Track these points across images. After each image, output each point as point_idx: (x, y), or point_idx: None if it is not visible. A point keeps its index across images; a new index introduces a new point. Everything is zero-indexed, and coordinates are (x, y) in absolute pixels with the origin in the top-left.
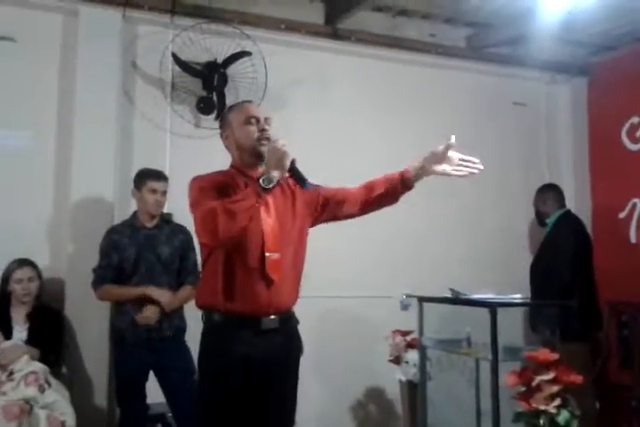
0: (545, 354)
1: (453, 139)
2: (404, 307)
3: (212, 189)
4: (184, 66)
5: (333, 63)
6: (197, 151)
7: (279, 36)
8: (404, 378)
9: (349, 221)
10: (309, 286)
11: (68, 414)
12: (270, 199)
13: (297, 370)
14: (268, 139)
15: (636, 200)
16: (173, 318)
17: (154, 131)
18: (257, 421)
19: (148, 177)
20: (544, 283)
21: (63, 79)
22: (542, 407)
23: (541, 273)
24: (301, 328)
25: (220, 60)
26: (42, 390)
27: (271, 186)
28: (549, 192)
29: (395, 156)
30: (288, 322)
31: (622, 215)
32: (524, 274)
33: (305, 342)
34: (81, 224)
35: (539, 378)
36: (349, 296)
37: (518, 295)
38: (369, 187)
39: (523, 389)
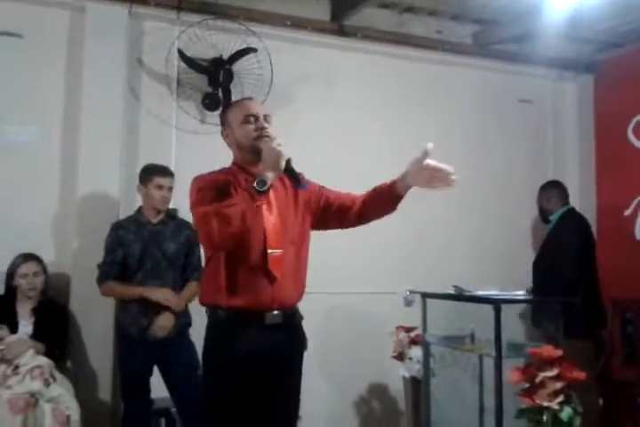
0: (549, 351)
1: (430, 146)
2: (408, 303)
3: (211, 190)
4: (190, 62)
5: (339, 60)
6: (203, 147)
7: (285, 33)
8: (407, 374)
9: None
10: (313, 283)
11: (72, 408)
12: (272, 196)
13: (301, 366)
14: (266, 137)
15: None
16: (179, 315)
17: (159, 127)
18: (261, 416)
19: (154, 173)
20: (547, 280)
21: (70, 75)
22: (545, 404)
23: (544, 270)
24: (305, 324)
25: (225, 57)
26: (47, 384)
27: (265, 188)
28: (553, 189)
29: (400, 152)
30: (292, 318)
31: (628, 213)
32: (528, 271)
33: (309, 338)
34: (86, 219)
35: (542, 375)
36: (353, 292)
37: (522, 292)
38: (366, 195)
39: (526, 385)
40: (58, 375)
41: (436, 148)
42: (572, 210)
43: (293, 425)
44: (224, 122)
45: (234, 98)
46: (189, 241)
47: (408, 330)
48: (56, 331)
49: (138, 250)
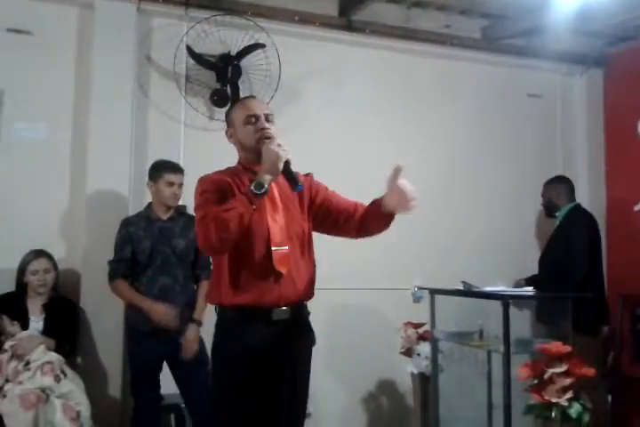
0: (557, 347)
1: (401, 164)
2: (416, 299)
3: (214, 192)
4: (198, 58)
5: (347, 55)
6: (211, 143)
7: (293, 28)
8: (415, 370)
9: None
10: (322, 279)
11: (82, 404)
12: (276, 192)
13: (309, 361)
14: (267, 138)
15: None
16: (189, 311)
17: (168, 123)
18: (269, 411)
19: (164, 169)
20: (556, 275)
21: (79, 72)
22: (554, 400)
23: (554, 266)
24: (313, 320)
25: (233, 53)
26: (57, 379)
27: (263, 191)
28: (562, 184)
29: (408, 147)
30: (299, 313)
31: (637, 208)
32: (535, 267)
33: (317, 334)
34: (96, 216)
35: (551, 371)
36: (361, 289)
37: (530, 288)
38: (366, 207)
39: (535, 381)
40: (68, 371)
41: (443, 143)
42: (579, 206)
43: (301, 420)
44: (228, 122)
45: (242, 94)
46: None
47: (416, 326)
48: (66, 327)
49: (148, 246)
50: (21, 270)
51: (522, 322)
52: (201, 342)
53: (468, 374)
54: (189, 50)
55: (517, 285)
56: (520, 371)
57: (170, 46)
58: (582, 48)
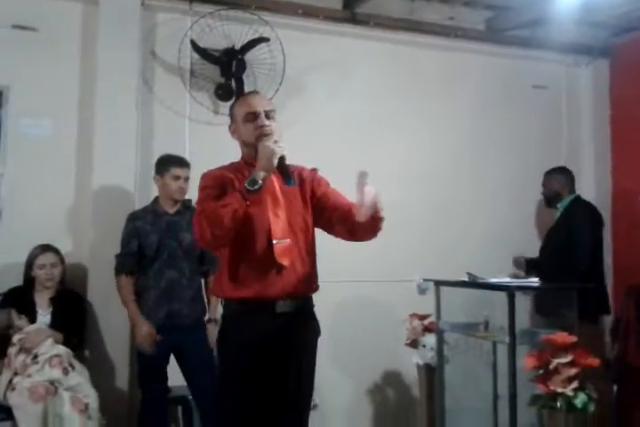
0: (563, 337)
1: (364, 172)
2: (422, 291)
3: (215, 188)
4: (202, 53)
5: (352, 48)
6: (216, 137)
7: (297, 22)
8: (421, 362)
9: None
10: (327, 272)
11: (91, 396)
12: (277, 186)
13: (314, 352)
14: (266, 135)
15: None
16: (195, 305)
17: (173, 118)
18: (273, 402)
19: (171, 163)
20: (559, 267)
21: (84, 68)
22: (560, 390)
23: (556, 257)
24: (319, 312)
25: (238, 47)
26: (66, 372)
27: (256, 187)
28: (565, 175)
29: (413, 140)
30: (303, 305)
31: None
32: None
33: (322, 326)
34: (102, 210)
35: (556, 361)
36: (366, 281)
37: (536, 279)
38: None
39: (540, 371)
40: (76, 364)
41: (448, 135)
42: (580, 197)
43: (306, 411)
44: (231, 117)
45: (247, 88)
46: None
47: (422, 318)
48: (74, 321)
49: (155, 240)
50: (29, 265)
51: (521, 313)
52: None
53: (473, 365)
54: (194, 44)
55: (517, 262)
56: (526, 361)
57: (174, 41)
58: (587, 39)
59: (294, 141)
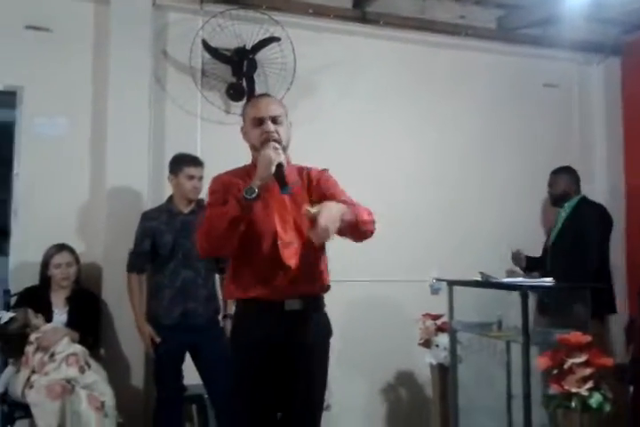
0: (577, 337)
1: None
2: (434, 291)
3: (223, 193)
4: (214, 52)
5: (362, 47)
6: (228, 137)
7: (307, 21)
8: (434, 361)
9: (376, 204)
10: (340, 272)
11: (107, 394)
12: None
13: (326, 352)
14: (271, 141)
15: None
16: (209, 304)
17: (185, 117)
18: (285, 402)
19: (184, 163)
20: (571, 267)
21: (96, 67)
22: (574, 390)
23: (565, 259)
24: (331, 312)
25: (249, 46)
26: (82, 370)
27: (254, 195)
28: (572, 174)
29: (423, 139)
30: (313, 305)
31: None
32: None
33: (335, 326)
34: (116, 210)
35: (571, 361)
36: (379, 280)
37: (549, 278)
38: None
39: (555, 371)
40: (92, 363)
41: (459, 134)
42: (586, 197)
43: (318, 410)
44: (242, 119)
45: (257, 88)
46: None
47: (435, 317)
48: (89, 320)
49: (170, 240)
50: (45, 264)
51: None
52: (223, 332)
53: (486, 365)
54: (205, 44)
55: (516, 255)
56: (540, 361)
57: (186, 41)
58: (598, 36)
59: (305, 141)
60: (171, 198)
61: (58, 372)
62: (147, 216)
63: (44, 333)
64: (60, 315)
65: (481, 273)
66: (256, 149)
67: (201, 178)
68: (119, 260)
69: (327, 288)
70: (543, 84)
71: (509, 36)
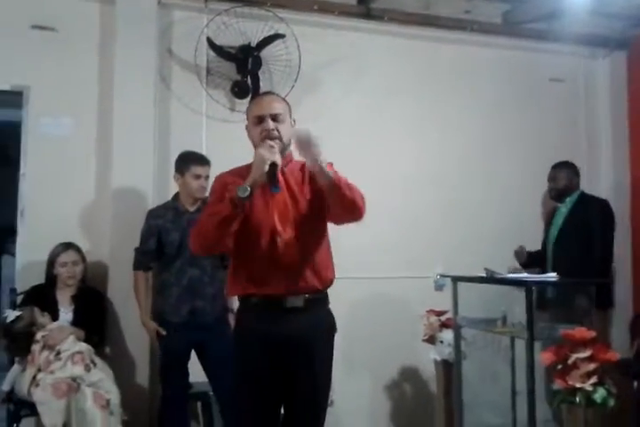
0: (581, 332)
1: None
2: (439, 287)
3: (221, 192)
4: (219, 50)
5: (367, 43)
6: (233, 135)
7: (312, 18)
8: (438, 357)
9: (380, 200)
10: (344, 268)
11: (112, 392)
12: (283, 184)
13: (331, 348)
14: (272, 138)
15: None
16: (216, 302)
17: (190, 115)
18: (289, 399)
19: (191, 162)
20: (578, 261)
21: (102, 66)
22: (579, 385)
23: (575, 251)
24: (335, 309)
25: (253, 44)
26: (88, 369)
27: (246, 195)
28: (572, 169)
29: (429, 135)
30: (315, 301)
31: None
32: None
33: (340, 323)
34: (122, 209)
35: (575, 356)
36: (383, 277)
37: (553, 274)
38: None
39: (559, 366)
40: (98, 361)
41: (464, 130)
42: (584, 192)
43: (322, 407)
44: (246, 116)
45: (262, 85)
46: None
47: (439, 314)
48: (95, 318)
49: (176, 238)
50: (51, 263)
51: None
52: (230, 330)
53: (491, 361)
54: (210, 42)
55: (519, 251)
56: (544, 356)
57: (190, 39)
58: (604, 31)
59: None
60: (176, 196)
61: (63, 370)
62: (152, 214)
63: (50, 331)
64: (66, 313)
65: (486, 269)
66: (256, 146)
67: (207, 177)
68: (125, 258)
69: (330, 283)
70: (549, 79)
71: (515, 30)
